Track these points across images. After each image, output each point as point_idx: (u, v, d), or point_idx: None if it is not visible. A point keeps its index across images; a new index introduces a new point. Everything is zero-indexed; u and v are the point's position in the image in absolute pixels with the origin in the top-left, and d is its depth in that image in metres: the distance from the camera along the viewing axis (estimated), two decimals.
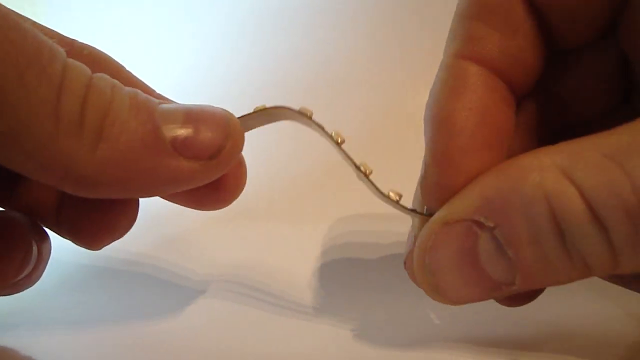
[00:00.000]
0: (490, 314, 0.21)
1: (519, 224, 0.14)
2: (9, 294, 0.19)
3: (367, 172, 0.17)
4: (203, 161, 0.16)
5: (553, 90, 0.19)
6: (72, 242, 0.19)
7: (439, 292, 0.16)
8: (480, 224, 0.15)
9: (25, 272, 0.19)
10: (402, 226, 0.25)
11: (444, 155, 0.16)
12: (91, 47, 0.20)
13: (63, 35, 0.19)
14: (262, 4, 0.37)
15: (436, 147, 0.17)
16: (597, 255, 0.14)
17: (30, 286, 0.19)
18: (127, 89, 0.16)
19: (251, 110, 0.18)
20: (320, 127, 0.18)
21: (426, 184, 0.17)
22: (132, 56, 0.32)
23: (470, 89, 0.17)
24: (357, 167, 0.17)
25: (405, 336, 0.21)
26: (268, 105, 0.18)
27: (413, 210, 0.18)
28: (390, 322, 0.21)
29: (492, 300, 0.22)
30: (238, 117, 0.18)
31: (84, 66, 0.15)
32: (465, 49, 0.17)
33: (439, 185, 0.17)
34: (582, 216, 0.13)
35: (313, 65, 0.34)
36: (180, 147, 0.16)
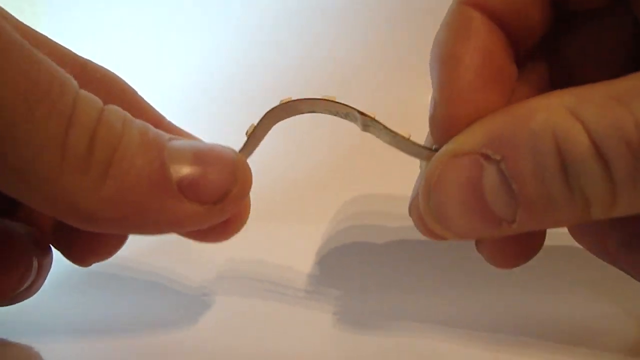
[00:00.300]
0: (490, 312, 0.21)
1: (525, 158, 0.14)
2: (8, 305, 0.19)
3: (373, 115, 0.18)
4: (207, 205, 0.16)
5: (562, 53, 0.19)
6: (64, 256, 0.19)
7: (442, 223, 0.16)
8: (487, 157, 0.15)
9: (25, 286, 0.19)
10: (402, 225, 0.25)
11: (451, 90, 0.17)
12: (104, 69, 0.20)
13: (77, 55, 0.19)
14: (264, 4, 0.37)
15: (443, 83, 0.17)
16: (598, 190, 0.14)
17: (30, 297, 0.19)
18: (138, 122, 0.16)
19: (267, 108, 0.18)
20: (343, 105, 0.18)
21: (435, 120, 0.18)
22: (133, 56, 0.32)
23: (475, 32, 0.17)
24: (362, 113, 0.18)
25: (407, 334, 0.21)
26: (294, 97, 0.18)
27: (424, 147, 0.18)
28: (391, 321, 0.21)
29: (492, 300, 0.22)
30: (265, 114, 0.18)
31: (95, 98, 0.15)
32: None
33: (447, 119, 0.17)
34: (586, 151, 0.14)
35: (314, 65, 0.34)
36: (185, 189, 0.16)
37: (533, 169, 0.14)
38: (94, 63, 0.20)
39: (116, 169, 0.15)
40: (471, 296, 0.22)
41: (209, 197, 0.16)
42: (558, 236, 0.25)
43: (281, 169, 0.29)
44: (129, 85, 0.20)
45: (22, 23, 0.18)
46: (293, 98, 0.18)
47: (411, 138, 0.18)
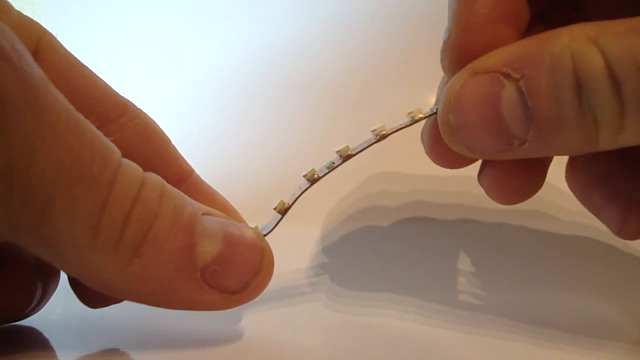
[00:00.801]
0: (489, 312, 0.21)
1: (543, 77, 0.15)
2: (9, 323, 0.19)
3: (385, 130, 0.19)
4: (226, 295, 0.16)
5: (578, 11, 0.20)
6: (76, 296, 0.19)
7: (458, 137, 0.17)
8: (507, 76, 0.15)
9: (26, 311, 0.18)
10: (402, 225, 0.25)
11: (466, 20, 0.17)
12: (143, 114, 0.20)
13: (118, 96, 0.19)
14: (265, 4, 0.37)
15: (460, 12, 0.18)
16: (608, 111, 0.14)
17: (26, 318, 0.19)
18: (174, 194, 0.16)
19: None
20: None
21: (447, 47, 0.18)
22: (133, 56, 0.32)
23: None
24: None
25: (408, 333, 0.21)
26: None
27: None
28: (392, 319, 0.21)
29: (491, 299, 0.22)
30: (298, 196, 0.19)
31: (136, 169, 0.15)
32: None
33: (460, 47, 0.17)
34: (600, 72, 0.14)
35: (315, 66, 0.34)
36: (209, 276, 0.16)
37: (549, 86, 0.15)
38: (134, 105, 0.19)
39: (146, 250, 0.15)
40: (470, 295, 0.22)
41: (229, 287, 0.16)
42: (558, 237, 0.25)
43: (282, 168, 0.29)
44: (164, 133, 0.20)
45: (70, 54, 0.18)
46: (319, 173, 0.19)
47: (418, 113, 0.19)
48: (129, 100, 0.19)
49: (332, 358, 0.19)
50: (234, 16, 0.37)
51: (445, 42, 0.18)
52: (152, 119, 0.20)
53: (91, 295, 0.19)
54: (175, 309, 0.17)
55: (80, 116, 0.14)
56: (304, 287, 0.23)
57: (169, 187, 0.16)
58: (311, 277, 0.23)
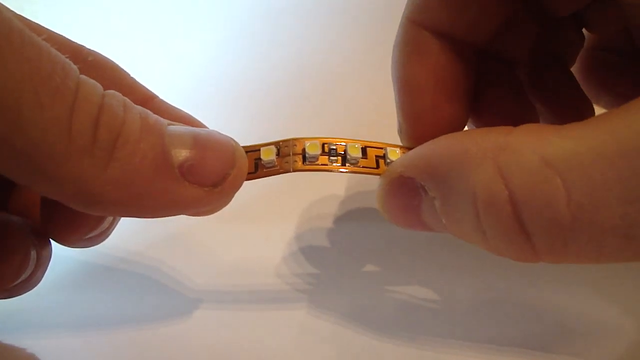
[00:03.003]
0: (489, 312, 0.21)
1: (453, 204, 0.15)
2: (7, 298, 0.19)
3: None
4: (207, 188, 0.16)
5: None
6: (52, 238, 0.19)
7: (391, 222, 0.18)
8: (424, 190, 0.16)
9: (23, 277, 0.19)
10: (390, 226, 0.25)
11: (411, 112, 0.19)
12: (97, 53, 0.20)
13: (71, 41, 0.19)
14: (264, 4, 0.37)
15: (404, 106, 0.19)
16: (516, 253, 0.15)
17: (29, 290, 0.19)
18: (138, 108, 0.16)
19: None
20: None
21: (403, 138, 0.20)
22: (133, 55, 0.32)
23: (426, 54, 0.18)
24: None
25: (408, 333, 0.21)
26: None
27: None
28: (390, 319, 0.21)
29: (490, 298, 0.22)
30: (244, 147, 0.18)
31: (96, 83, 0.15)
32: (418, 17, 0.18)
33: (412, 138, 0.19)
34: (508, 223, 0.14)
35: (313, 66, 0.34)
36: (186, 172, 0.16)
37: (457, 216, 0.16)
38: (87, 48, 0.20)
39: (120, 152, 0.15)
40: (469, 295, 0.22)
41: (208, 180, 0.16)
42: None
43: None
44: (121, 68, 0.21)
45: (17, 13, 0.18)
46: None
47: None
48: (82, 45, 0.20)
49: None
50: (230, 15, 0.37)
51: (399, 132, 0.20)
52: (107, 57, 0.20)
53: (67, 227, 0.19)
54: (160, 214, 0.17)
55: (34, 35, 0.14)
56: (287, 291, 0.23)
57: (130, 101, 0.16)
58: (308, 279, 0.23)
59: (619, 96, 0.21)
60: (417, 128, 0.19)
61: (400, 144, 0.20)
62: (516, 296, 0.22)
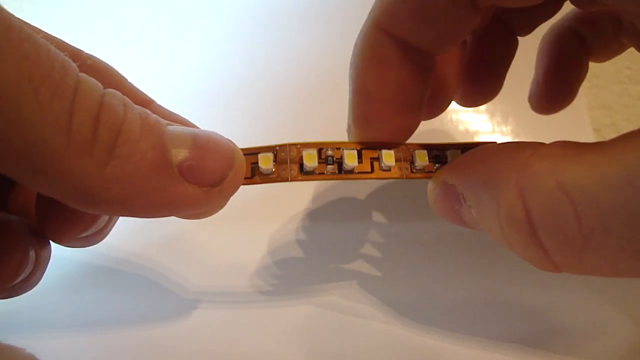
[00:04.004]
0: (488, 312, 0.21)
1: (484, 215, 0.16)
2: (6, 298, 0.19)
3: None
4: (205, 188, 0.16)
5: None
6: (50, 238, 0.19)
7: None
8: (464, 197, 0.17)
9: (22, 276, 0.19)
10: (398, 223, 0.25)
11: (361, 118, 0.19)
12: (94, 57, 0.20)
13: (68, 44, 0.19)
14: (262, 4, 0.37)
15: (355, 110, 0.19)
16: (539, 263, 0.16)
17: (28, 290, 0.19)
18: (138, 107, 0.16)
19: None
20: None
21: (350, 138, 0.20)
22: (133, 56, 0.33)
23: (386, 62, 0.18)
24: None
25: (408, 334, 0.21)
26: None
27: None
28: (389, 318, 0.21)
29: (489, 298, 0.22)
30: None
31: (96, 82, 0.15)
32: (384, 23, 0.18)
33: (359, 140, 0.19)
34: (527, 238, 0.15)
35: (311, 68, 0.34)
36: (185, 172, 0.16)
37: (490, 226, 0.16)
38: (84, 52, 0.20)
39: (120, 151, 0.15)
40: (468, 295, 0.22)
41: (207, 179, 0.16)
42: None
43: None
44: (119, 73, 0.21)
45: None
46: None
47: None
48: (80, 49, 0.20)
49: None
50: (230, 15, 0.37)
51: (347, 131, 0.20)
52: (104, 61, 0.20)
53: (61, 225, 0.19)
54: (158, 214, 0.16)
55: (32, 32, 0.14)
56: (284, 292, 0.23)
57: (130, 100, 0.16)
58: (307, 278, 0.23)
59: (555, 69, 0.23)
60: (364, 132, 0.19)
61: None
62: (516, 297, 0.22)
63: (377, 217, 0.26)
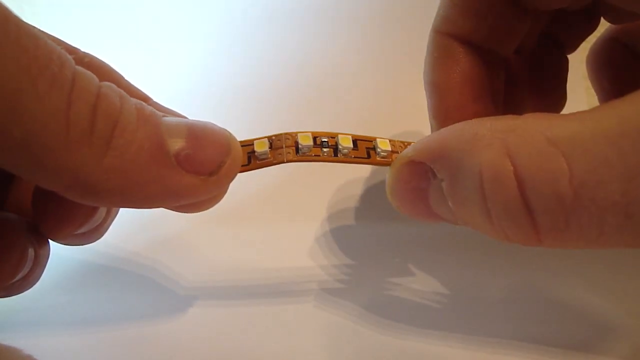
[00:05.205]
0: (488, 312, 0.21)
1: (460, 183, 0.16)
2: (5, 297, 0.19)
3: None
4: (203, 177, 0.17)
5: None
6: (46, 235, 0.19)
7: (399, 210, 0.19)
8: (433, 173, 0.17)
9: (21, 275, 0.19)
10: (398, 222, 0.25)
11: (439, 112, 0.20)
12: (91, 55, 0.20)
13: (65, 43, 0.19)
14: (261, 5, 0.37)
15: (433, 107, 0.21)
16: (520, 233, 0.15)
17: (27, 289, 0.19)
18: (133, 99, 0.16)
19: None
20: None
21: None
22: (133, 56, 0.33)
23: (451, 57, 0.20)
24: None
25: (407, 334, 0.21)
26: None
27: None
28: (387, 319, 0.21)
29: (489, 298, 0.22)
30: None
31: (92, 74, 0.15)
32: (443, 27, 0.20)
33: None
34: (512, 199, 0.14)
35: (309, 67, 0.34)
36: (182, 161, 0.16)
37: (462, 197, 0.16)
38: (81, 50, 0.20)
39: (118, 141, 0.15)
40: (467, 295, 0.22)
41: (204, 168, 0.17)
42: None
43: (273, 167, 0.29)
44: (116, 71, 0.21)
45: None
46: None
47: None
48: (76, 47, 0.20)
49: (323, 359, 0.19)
50: (229, 16, 0.37)
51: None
52: (101, 59, 0.20)
53: (56, 221, 0.19)
54: (157, 204, 0.17)
55: (30, 25, 0.14)
56: (282, 290, 0.23)
57: (126, 93, 0.16)
58: (306, 278, 0.23)
59: (618, 89, 0.23)
60: (444, 126, 0.19)
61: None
62: (516, 297, 0.22)
63: (377, 216, 0.26)
